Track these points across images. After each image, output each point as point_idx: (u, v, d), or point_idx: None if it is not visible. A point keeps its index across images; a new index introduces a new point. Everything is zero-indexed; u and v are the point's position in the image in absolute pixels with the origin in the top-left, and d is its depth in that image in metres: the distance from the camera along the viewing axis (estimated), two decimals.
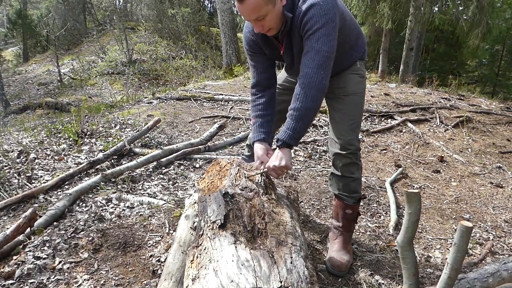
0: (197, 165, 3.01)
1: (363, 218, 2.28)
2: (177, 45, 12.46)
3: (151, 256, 1.78)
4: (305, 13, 1.45)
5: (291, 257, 1.11)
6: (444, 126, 4.36)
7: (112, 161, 2.94)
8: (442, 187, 2.92)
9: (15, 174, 2.59)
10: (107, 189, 2.45)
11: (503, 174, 3.26)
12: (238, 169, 1.62)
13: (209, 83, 6.82)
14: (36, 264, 1.65)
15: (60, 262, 1.69)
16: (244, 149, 2.31)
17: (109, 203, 2.29)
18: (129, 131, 3.70)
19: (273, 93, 1.77)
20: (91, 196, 2.37)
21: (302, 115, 1.47)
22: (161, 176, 2.76)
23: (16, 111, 7.87)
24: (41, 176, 2.64)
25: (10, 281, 1.56)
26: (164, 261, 1.68)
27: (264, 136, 1.66)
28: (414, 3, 7.96)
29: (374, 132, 4.02)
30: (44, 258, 1.70)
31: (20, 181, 2.52)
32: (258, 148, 1.63)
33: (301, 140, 3.63)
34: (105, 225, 2.02)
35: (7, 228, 1.84)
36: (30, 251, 1.75)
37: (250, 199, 1.38)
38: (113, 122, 3.96)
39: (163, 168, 2.88)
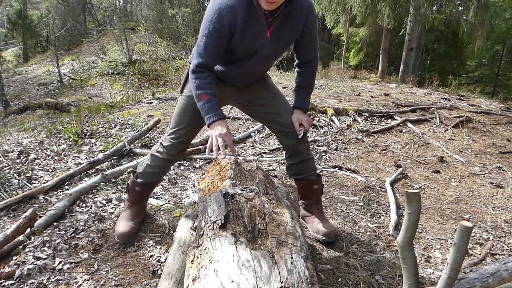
0: (197, 165, 3.01)
1: (363, 218, 2.28)
2: (177, 46, 12.45)
3: (151, 256, 1.78)
4: (312, 9, 1.64)
5: (292, 258, 1.11)
6: (444, 126, 4.36)
7: (112, 161, 2.94)
8: (442, 187, 2.92)
9: (15, 175, 2.59)
10: (107, 189, 2.45)
11: (503, 174, 3.26)
12: (239, 169, 1.62)
13: None
14: (36, 264, 1.65)
15: (60, 262, 1.69)
16: (151, 164, 1.91)
17: (109, 203, 2.29)
18: (129, 131, 3.70)
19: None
20: (91, 196, 2.37)
21: (312, 91, 1.91)
22: None
23: (16, 112, 7.85)
24: (41, 177, 2.64)
25: (10, 281, 1.56)
26: (164, 261, 1.68)
27: (224, 114, 1.66)
28: (414, 3, 7.96)
29: (374, 132, 4.02)
30: (44, 259, 1.70)
31: (20, 181, 2.52)
32: (226, 125, 1.61)
33: None
34: (105, 225, 2.02)
35: (7, 229, 1.84)
36: (30, 251, 1.75)
37: (250, 199, 1.38)
38: (113, 122, 3.96)
39: None
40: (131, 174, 1.98)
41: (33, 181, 2.57)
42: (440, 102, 5.61)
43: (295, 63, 1.89)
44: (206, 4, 18.56)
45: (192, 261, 1.16)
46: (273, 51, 1.71)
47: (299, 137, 1.81)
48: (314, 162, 1.96)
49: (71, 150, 3.16)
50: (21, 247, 1.79)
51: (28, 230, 1.86)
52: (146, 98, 5.53)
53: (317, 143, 3.65)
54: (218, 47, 1.58)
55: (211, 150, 1.56)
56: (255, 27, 1.56)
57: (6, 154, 2.90)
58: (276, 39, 1.63)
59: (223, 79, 1.77)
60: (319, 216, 1.99)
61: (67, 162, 2.93)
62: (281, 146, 3.55)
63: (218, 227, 1.22)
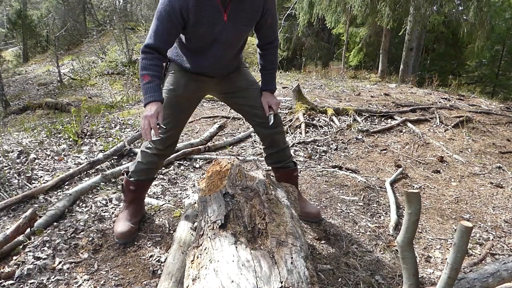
0: (197, 165, 3.01)
1: (363, 218, 2.28)
2: None
3: (151, 256, 1.78)
4: None
5: (292, 258, 1.11)
6: (444, 126, 4.36)
7: (112, 161, 2.94)
8: (442, 187, 2.92)
9: (15, 175, 2.59)
10: (107, 189, 2.45)
11: (503, 174, 3.25)
12: (239, 169, 1.62)
13: None
14: (36, 264, 1.65)
15: (60, 262, 1.69)
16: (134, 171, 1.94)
17: (109, 203, 2.29)
18: (129, 131, 3.70)
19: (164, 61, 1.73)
20: (91, 196, 2.37)
21: (276, 69, 1.95)
22: (161, 176, 2.76)
23: (16, 112, 7.85)
24: (41, 177, 2.64)
25: (10, 281, 1.56)
26: (164, 261, 1.68)
27: (162, 97, 1.62)
28: (414, 3, 7.96)
29: (374, 132, 4.01)
30: (44, 259, 1.70)
31: (20, 181, 2.52)
32: (159, 107, 1.57)
33: (301, 140, 3.65)
34: (105, 225, 2.02)
35: (7, 229, 1.84)
36: (30, 251, 1.75)
37: (250, 199, 1.38)
38: (113, 122, 3.96)
39: (163, 168, 2.88)
40: (125, 174, 1.99)
41: (33, 181, 2.57)
42: (440, 102, 5.61)
43: (257, 44, 1.89)
44: None
45: (192, 261, 1.16)
46: (234, 35, 1.67)
47: (270, 123, 1.83)
48: (290, 150, 2.08)
49: (71, 150, 3.16)
50: (21, 247, 1.79)
51: (28, 230, 1.87)
52: None
53: (317, 143, 3.65)
54: (170, 30, 1.57)
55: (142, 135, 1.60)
56: (210, 12, 1.55)
57: (6, 154, 2.90)
58: (235, 22, 1.61)
59: (197, 70, 1.77)
60: (303, 201, 2.13)
61: (67, 162, 2.93)
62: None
63: (218, 227, 1.23)
